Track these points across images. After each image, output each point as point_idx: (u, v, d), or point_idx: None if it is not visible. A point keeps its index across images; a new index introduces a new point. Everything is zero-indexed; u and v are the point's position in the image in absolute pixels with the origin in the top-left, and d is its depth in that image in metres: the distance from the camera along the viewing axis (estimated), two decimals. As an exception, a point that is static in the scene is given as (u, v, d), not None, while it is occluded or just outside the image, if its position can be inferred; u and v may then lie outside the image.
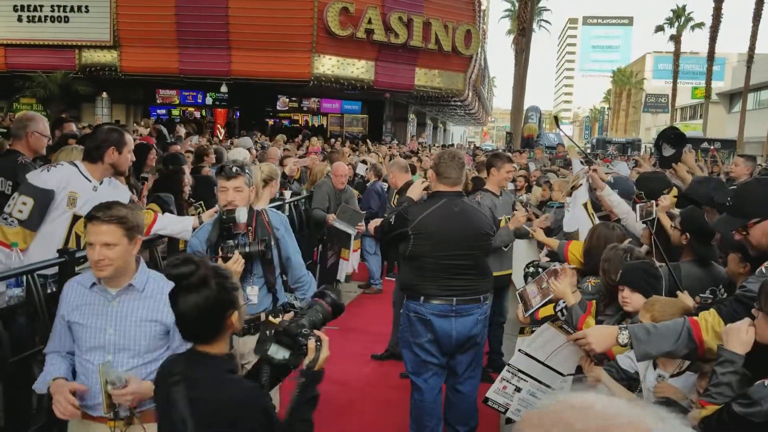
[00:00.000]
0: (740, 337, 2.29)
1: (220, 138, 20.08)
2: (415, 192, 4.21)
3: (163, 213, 4.28)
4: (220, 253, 3.15)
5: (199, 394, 2.03)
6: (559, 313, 3.82)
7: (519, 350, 3.07)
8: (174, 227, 4.04)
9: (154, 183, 5.25)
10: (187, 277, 1.99)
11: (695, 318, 2.59)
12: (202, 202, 5.55)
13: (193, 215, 5.37)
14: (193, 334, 2.09)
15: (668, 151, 5.40)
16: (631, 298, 3.18)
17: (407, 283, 4.06)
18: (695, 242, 3.46)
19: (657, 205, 4.12)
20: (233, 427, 2.01)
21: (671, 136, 5.54)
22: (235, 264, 3.10)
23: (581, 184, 5.12)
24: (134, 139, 10.50)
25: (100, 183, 3.74)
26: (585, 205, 4.88)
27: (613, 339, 2.60)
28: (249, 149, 8.73)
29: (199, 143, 11.77)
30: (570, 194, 5.47)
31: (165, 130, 12.76)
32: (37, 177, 3.56)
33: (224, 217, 3.23)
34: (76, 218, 3.62)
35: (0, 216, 3.51)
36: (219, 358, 2.09)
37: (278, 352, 2.11)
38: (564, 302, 3.64)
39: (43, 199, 3.48)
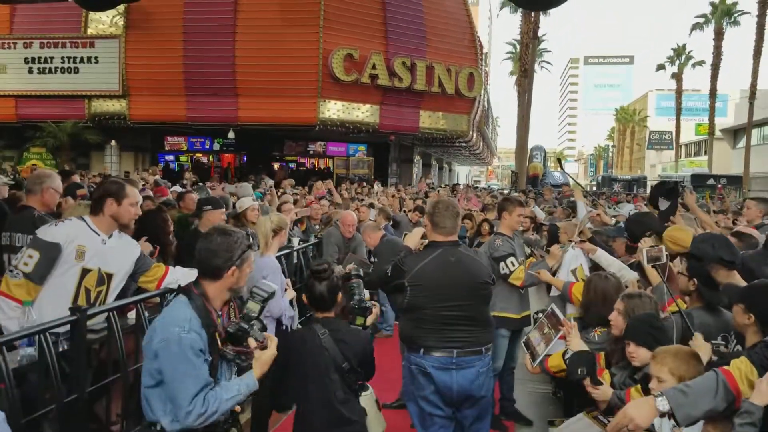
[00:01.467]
0: (760, 388, 2.25)
1: (228, 182, 20.24)
2: (413, 241, 4.15)
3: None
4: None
5: (342, 337, 3.31)
6: (566, 362, 3.72)
7: None
8: (185, 279, 4.04)
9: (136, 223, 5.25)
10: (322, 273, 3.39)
11: (727, 368, 2.51)
12: None
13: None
14: (322, 306, 3.39)
15: (664, 205, 5.42)
16: (637, 353, 3.15)
17: (407, 334, 3.96)
18: (703, 288, 3.44)
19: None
20: (365, 355, 3.42)
21: (665, 191, 5.57)
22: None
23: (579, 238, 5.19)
24: (143, 188, 10.58)
25: (109, 237, 3.77)
26: (574, 271, 4.89)
27: (654, 409, 2.45)
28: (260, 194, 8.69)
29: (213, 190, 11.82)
30: (576, 237, 5.50)
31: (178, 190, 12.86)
32: (45, 231, 3.62)
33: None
34: (84, 272, 3.65)
35: (8, 268, 3.55)
36: (335, 318, 3.43)
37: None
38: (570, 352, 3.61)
39: (49, 253, 3.52)
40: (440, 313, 3.80)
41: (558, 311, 3.88)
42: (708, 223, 6.61)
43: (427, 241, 4.07)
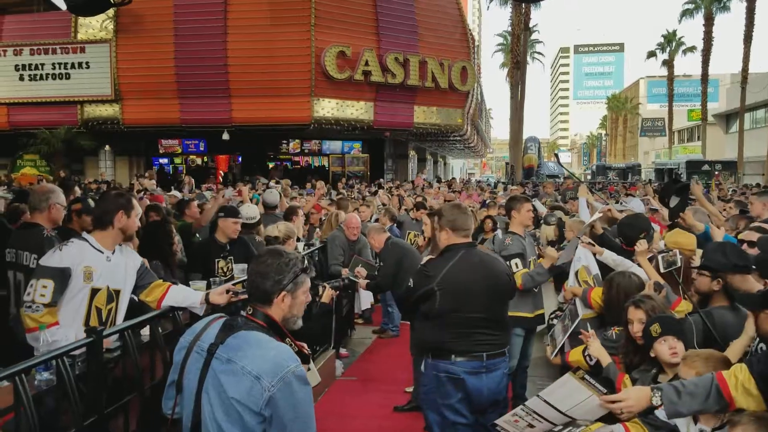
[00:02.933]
0: None
1: (222, 182, 20.19)
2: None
3: None
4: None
5: None
6: (587, 358, 3.74)
7: (538, 396, 2.98)
8: (185, 301, 3.90)
9: (141, 239, 5.20)
10: None
11: (724, 374, 2.54)
12: (232, 257, 5.55)
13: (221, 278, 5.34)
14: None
15: (674, 202, 5.41)
16: (678, 347, 3.12)
17: (433, 341, 3.89)
18: (732, 289, 3.39)
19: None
20: None
21: (675, 189, 5.56)
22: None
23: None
24: (142, 197, 10.50)
25: (113, 252, 3.74)
26: (576, 273, 4.87)
27: (648, 400, 2.61)
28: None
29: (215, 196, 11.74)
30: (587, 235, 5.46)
31: (178, 194, 12.81)
32: (51, 259, 3.57)
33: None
34: (94, 292, 3.63)
35: (23, 307, 3.50)
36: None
37: None
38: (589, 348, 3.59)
39: (62, 278, 3.50)
40: (469, 315, 3.79)
41: (579, 305, 3.95)
42: (714, 214, 6.61)
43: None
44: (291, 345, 2.41)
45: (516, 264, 5.32)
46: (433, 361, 3.90)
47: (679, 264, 3.83)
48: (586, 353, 3.78)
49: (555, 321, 5.06)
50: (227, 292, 3.72)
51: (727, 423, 2.78)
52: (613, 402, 2.67)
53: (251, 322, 2.35)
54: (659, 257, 3.99)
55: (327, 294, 4.47)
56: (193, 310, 3.85)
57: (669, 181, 6.10)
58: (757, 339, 3.07)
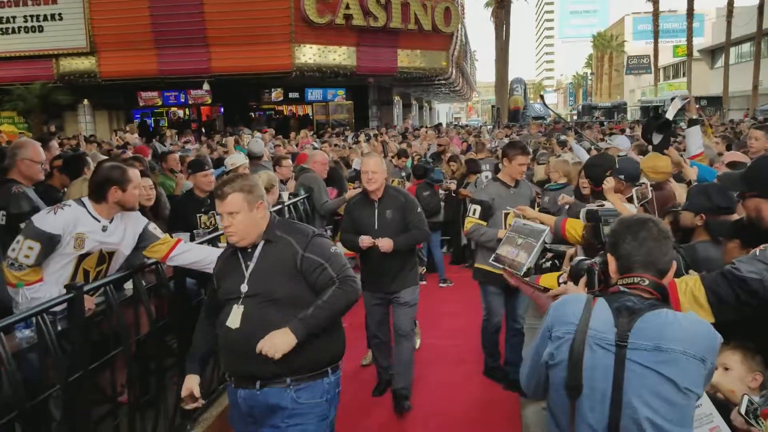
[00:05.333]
0: None
1: (205, 135, 19.94)
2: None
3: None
4: None
5: None
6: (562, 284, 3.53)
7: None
8: (198, 257, 3.75)
9: None
10: None
11: (676, 279, 2.50)
12: (213, 212, 5.46)
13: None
14: None
15: (657, 139, 5.34)
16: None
17: None
18: (713, 223, 3.38)
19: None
20: None
21: (657, 125, 5.48)
22: None
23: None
24: (125, 150, 10.31)
25: (111, 221, 3.61)
26: None
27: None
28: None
29: (198, 150, 11.60)
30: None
31: (158, 147, 12.61)
32: (43, 220, 3.44)
33: None
34: (83, 255, 3.53)
35: (5, 261, 3.41)
36: None
37: None
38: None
39: (50, 243, 3.40)
40: None
41: (528, 222, 3.71)
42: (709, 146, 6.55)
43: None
44: None
45: (474, 210, 5.11)
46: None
47: (650, 196, 3.83)
48: (560, 281, 3.64)
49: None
50: None
51: None
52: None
53: (644, 297, 2.04)
54: (634, 191, 3.98)
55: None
56: (207, 272, 3.63)
57: (650, 118, 6.03)
58: None
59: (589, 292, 2.28)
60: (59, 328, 3.15)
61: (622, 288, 2.05)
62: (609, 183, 4.39)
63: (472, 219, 5.10)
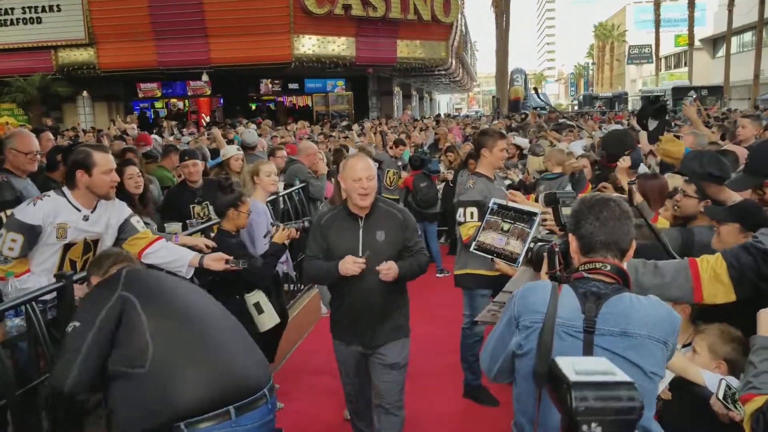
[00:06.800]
0: (762, 321, 2.20)
1: (206, 126, 19.93)
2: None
3: None
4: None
5: None
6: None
7: (503, 291, 2.91)
8: (173, 263, 3.64)
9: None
10: None
11: (696, 259, 2.52)
12: (207, 202, 5.47)
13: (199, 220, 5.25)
14: None
15: (652, 125, 5.33)
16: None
17: None
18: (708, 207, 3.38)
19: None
20: None
21: (653, 110, 5.47)
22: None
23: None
24: (125, 138, 10.23)
25: (93, 210, 3.53)
26: None
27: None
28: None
29: (196, 140, 11.57)
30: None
31: (157, 138, 12.58)
32: (23, 212, 3.39)
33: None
34: (68, 246, 3.50)
35: None
36: None
37: None
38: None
39: (31, 234, 3.35)
40: None
41: (507, 203, 3.33)
42: (708, 136, 6.56)
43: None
44: None
45: (471, 213, 4.45)
46: None
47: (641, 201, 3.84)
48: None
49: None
50: (226, 262, 3.61)
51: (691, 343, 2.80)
52: None
53: (607, 282, 2.03)
54: (633, 187, 3.98)
55: (281, 234, 4.22)
56: (179, 274, 3.60)
57: (646, 103, 6.00)
58: None
59: (548, 273, 2.28)
60: (49, 317, 3.17)
61: (585, 274, 2.05)
62: (624, 162, 4.35)
63: (472, 223, 4.38)
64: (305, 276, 3.76)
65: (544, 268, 2.34)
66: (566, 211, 2.62)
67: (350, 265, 3.27)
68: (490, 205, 3.30)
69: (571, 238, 2.11)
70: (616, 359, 1.87)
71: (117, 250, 2.91)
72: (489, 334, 2.21)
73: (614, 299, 1.96)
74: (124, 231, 3.67)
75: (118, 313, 2.39)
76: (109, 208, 3.63)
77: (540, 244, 2.52)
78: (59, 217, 3.41)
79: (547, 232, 3.04)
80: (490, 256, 3.16)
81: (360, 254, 3.35)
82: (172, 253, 3.69)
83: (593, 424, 1.22)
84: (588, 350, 1.93)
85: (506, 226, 3.12)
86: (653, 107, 5.51)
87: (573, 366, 1.30)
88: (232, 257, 3.67)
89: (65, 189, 3.51)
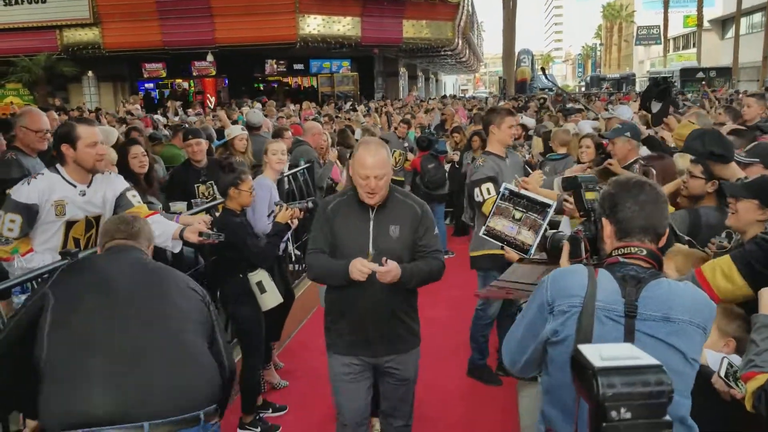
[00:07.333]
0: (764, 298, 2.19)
1: (211, 107, 19.89)
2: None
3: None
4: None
5: None
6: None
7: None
8: (160, 237, 3.53)
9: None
10: None
11: (700, 268, 2.53)
12: (211, 182, 5.47)
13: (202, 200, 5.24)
14: None
15: (656, 107, 5.28)
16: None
17: None
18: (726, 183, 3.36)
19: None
20: None
21: (657, 92, 5.42)
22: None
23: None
24: (127, 119, 10.24)
25: (89, 185, 3.51)
26: None
27: None
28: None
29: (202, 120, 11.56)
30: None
31: (159, 119, 12.57)
32: (19, 192, 3.38)
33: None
34: (69, 224, 3.49)
35: None
36: None
37: None
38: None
39: (29, 214, 3.35)
40: None
41: (520, 191, 3.15)
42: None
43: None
44: None
45: (488, 189, 4.43)
46: None
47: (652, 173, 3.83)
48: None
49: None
50: (200, 234, 3.52)
51: None
52: None
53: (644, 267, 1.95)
54: (635, 166, 3.98)
55: (284, 214, 4.23)
56: (169, 249, 3.61)
57: (649, 85, 5.94)
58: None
59: (574, 262, 2.18)
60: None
61: (621, 259, 1.95)
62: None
63: (493, 198, 4.20)
64: (309, 273, 3.23)
65: (565, 256, 2.25)
66: (590, 195, 2.54)
67: (360, 270, 2.80)
68: (501, 190, 3.12)
69: (606, 222, 2.01)
70: (658, 345, 1.83)
71: (122, 219, 2.66)
72: (512, 327, 2.10)
73: (653, 284, 1.89)
74: (120, 205, 3.65)
75: (38, 308, 2.24)
76: (104, 181, 3.61)
77: (553, 232, 2.44)
78: (55, 194, 3.40)
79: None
80: (500, 243, 3.01)
81: (370, 248, 2.95)
82: (159, 227, 3.59)
83: (622, 410, 1.18)
84: (629, 335, 1.85)
85: (518, 215, 2.99)
86: (657, 89, 5.45)
87: (598, 352, 1.28)
88: (206, 230, 3.59)
89: (59, 166, 3.49)
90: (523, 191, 3.09)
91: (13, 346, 2.23)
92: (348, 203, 3.05)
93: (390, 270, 2.81)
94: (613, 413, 1.17)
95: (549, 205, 2.90)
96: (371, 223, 2.99)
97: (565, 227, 3.57)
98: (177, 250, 3.65)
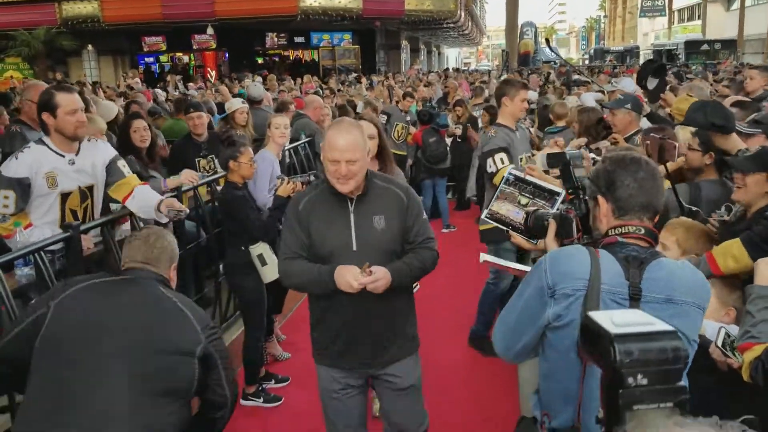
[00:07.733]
0: (761, 271, 2.19)
1: (212, 81, 19.79)
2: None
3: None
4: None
5: None
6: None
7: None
8: (145, 209, 3.59)
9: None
10: None
11: (711, 252, 2.57)
12: (212, 156, 5.47)
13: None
14: None
15: (652, 84, 5.22)
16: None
17: None
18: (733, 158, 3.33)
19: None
20: None
21: (652, 69, 5.36)
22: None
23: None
24: (127, 93, 10.22)
25: (77, 154, 3.47)
26: None
27: None
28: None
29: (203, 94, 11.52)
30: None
31: (159, 93, 12.52)
32: (8, 167, 3.35)
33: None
34: (65, 196, 3.46)
35: None
36: None
37: None
38: None
39: (22, 188, 3.32)
40: None
41: (526, 177, 3.00)
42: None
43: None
44: None
45: (501, 159, 4.38)
46: None
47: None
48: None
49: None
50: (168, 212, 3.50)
51: None
52: None
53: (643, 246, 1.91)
54: (636, 138, 3.95)
55: (285, 188, 4.25)
56: (159, 219, 3.57)
57: (645, 62, 5.88)
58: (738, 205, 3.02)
59: (565, 242, 2.11)
60: (57, 267, 3.21)
61: (619, 239, 1.90)
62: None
63: (505, 169, 4.16)
64: (286, 281, 2.76)
65: (551, 235, 2.17)
66: (579, 172, 2.42)
67: (352, 282, 2.50)
68: (506, 175, 2.93)
69: (602, 200, 1.94)
70: None
71: (145, 239, 2.45)
72: (503, 313, 2.03)
73: (654, 265, 1.85)
74: (111, 174, 3.62)
75: (39, 324, 2.15)
76: (92, 149, 3.57)
77: (534, 209, 2.36)
78: (44, 165, 3.36)
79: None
80: (504, 227, 2.79)
81: (353, 246, 2.62)
82: (144, 198, 3.62)
83: (639, 376, 1.15)
84: None
85: (524, 200, 2.82)
86: (652, 66, 5.40)
87: (610, 318, 1.28)
88: (175, 207, 3.55)
89: (44, 137, 3.45)
90: (528, 177, 2.97)
91: (8, 355, 2.21)
92: (322, 197, 2.68)
93: (380, 278, 2.53)
94: (630, 379, 1.15)
95: (558, 193, 2.74)
96: (351, 215, 2.65)
97: (540, 164, 3.42)
98: (164, 222, 3.61)
